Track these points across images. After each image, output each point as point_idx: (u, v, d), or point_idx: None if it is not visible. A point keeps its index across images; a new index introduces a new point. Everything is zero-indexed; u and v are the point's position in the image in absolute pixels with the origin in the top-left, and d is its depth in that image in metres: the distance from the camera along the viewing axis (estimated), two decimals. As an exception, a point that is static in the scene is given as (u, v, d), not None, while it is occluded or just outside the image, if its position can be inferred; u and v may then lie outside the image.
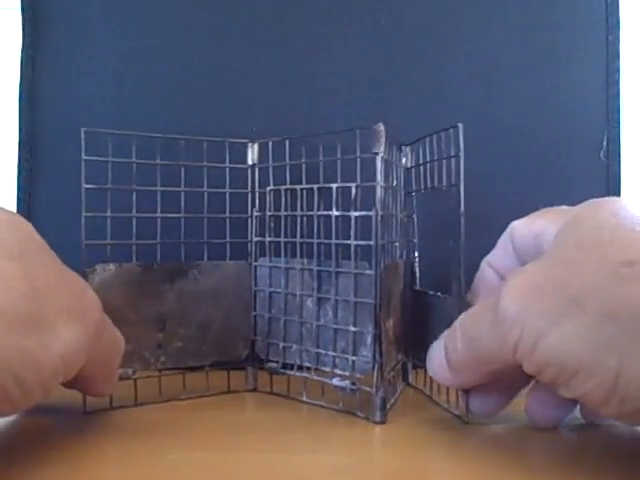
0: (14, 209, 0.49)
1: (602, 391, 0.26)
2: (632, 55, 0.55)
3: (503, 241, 0.37)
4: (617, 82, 0.50)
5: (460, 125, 0.36)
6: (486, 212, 0.47)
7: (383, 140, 0.36)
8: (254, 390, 0.42)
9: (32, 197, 0.50)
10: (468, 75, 0.50)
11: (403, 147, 0.43)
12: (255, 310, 0.42)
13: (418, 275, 0.43)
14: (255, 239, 0.42)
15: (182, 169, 0.41)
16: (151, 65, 0.50)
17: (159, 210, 0.41)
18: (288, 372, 0.40)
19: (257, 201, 0.43)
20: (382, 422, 0.35)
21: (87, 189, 0.38)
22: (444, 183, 0.38)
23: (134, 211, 0.40)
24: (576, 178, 0.50)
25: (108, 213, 0.38)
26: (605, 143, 0.50)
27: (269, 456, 0.30)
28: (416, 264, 0.43)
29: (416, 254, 0.43)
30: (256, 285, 0.42)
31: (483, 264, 0.38)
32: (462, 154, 0.36)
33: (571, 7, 0.50)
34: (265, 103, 0.50)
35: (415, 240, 0.43)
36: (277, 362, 0.41)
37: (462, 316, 0.32)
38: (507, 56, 0.50)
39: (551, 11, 0.50)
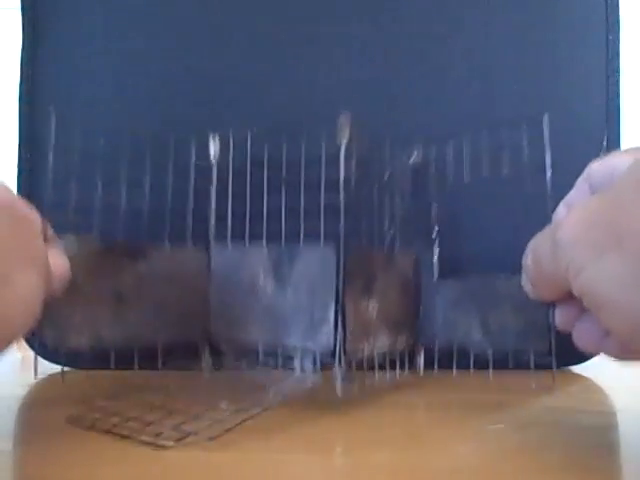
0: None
1: (628, 327, 0.27)
2: (632, 55, 0.55)
3: (580, 181, 0.37)
4: (617, 82, 0.50)
5: (546, 115, 0.38)
6: (485, 211, 0.47)
7: (347, 131, 0.39)
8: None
9: (32, 197, 0.49)
10: (468, 75, 0.50)
11: (416, 145, 0.45)
12: (212, 293, 0.43)
13: (437, 266, 0.44)
14: (213, 224, 0.45)
15: (147, 159, 0.44)
16: (151, 65, 0.50)
17: (124, 194, 0.43)
18: (245, 369, 0.41)
19: (214, 191, 0.45)
20: (344, 395, 0.37)
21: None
22: (506, 171, 0.41)
23: (99, 190, 0.42)
24: (576, 178, 0.50)
25: (72, 187, 0.40)
26: (605, 143, 0.50)
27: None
28: (435, 256, 0.44)
29: (436, 246, 0.44)
30: (214, 270, 0.44)
31: (560, 204, 0.38)
32: (548, 143, 0.38)
33: (571, 6, 0.50)
34: (266, 103, 0.50)
35: (436, 231, 0.45)
36: (239, 359, 0.42)
37: (535, 236, 0.34)
38: (507, 56, 0.50)
39: (551, 11, 0.50)
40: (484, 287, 0.41)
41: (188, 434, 0.31)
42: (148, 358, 0.42)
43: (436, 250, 0.44)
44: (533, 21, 0.50)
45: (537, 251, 0.33)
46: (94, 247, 0.40)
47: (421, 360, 0.45)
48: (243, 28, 0.50)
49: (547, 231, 0.33)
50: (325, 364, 0.39)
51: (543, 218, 0.35)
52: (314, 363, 0.40)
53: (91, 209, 0.42)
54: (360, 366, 0.40)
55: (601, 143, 0.50)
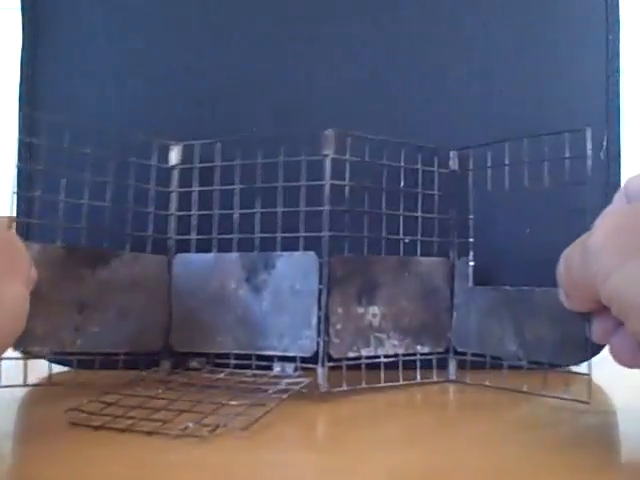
0: (14, 209, 0.49)
1: None
2: (632, 55, 0.55)
3: (618, 196, 0.37)
4: (617, 82, 0.50)
5: (588, 129, 0.39)
6: (485, 211, 0.47)
7: (332, 144, 0.41)
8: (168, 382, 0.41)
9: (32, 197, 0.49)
10: (468, 75, 0.50)
11: (452, 152, 0.46)
12: (173, 303, 0.44)
13: (472, 273, 0.44)
14: (175, 236, 0.45)
15: (111, 161, 0.43)
16: (151, 65, 0.50)
17: (86, 197, 0.42)
18: (218, 375, 0.41)
19: (174, 200, 0.46)
20: (327, 392, 0.39)
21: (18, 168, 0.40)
22: (546, 183, 0.41)
23: (62, 195, 0.42)
24: (576, 178, 0.50)
25: (37, 193, 0.40)
26: (605, 143, 0.50)
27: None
28: (471, 262, 0.44)
29: (471, 253, 0.44)
30: (176, 279, 0.44)
31: (598, 219, 0.38)
32: (589, 154, 0.39)
33: (571, 7, 0.50)
34: (265, 103, 0.50)
35: (471, 240, 0.45)
36: (205, 356, 0.43)
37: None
38: (507, 56, 0.50)
39: (551, 11, 0.50)
40: (521, 298, 0.40)
41: (217, 426, 0.31)
42: (110, 367, 0.42)
43: (471, 257, 0.44)
44: (533, 21, 0.50)
45: (569, 258, 0.33)
46: (57, 256, 0.40)
47: (452, 367, 0.44)
48: (243, 28, 0.50)
49: (580, 239, 0.33)
50: (307, 367, 0.40)
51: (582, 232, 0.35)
52: (295, 369, 0.41)
53: (58, 214, 0.42)
54: (356, 369, 0.41)
55: (601, 143, 0.50)
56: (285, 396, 0.35)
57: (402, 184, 0.44)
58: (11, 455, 0.30)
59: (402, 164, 0.44)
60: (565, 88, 0.50)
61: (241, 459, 0.29)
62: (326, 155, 0.41)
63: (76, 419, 0.33)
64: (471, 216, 0.45)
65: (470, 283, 0.44)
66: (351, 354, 0.41)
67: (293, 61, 0.50)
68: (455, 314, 0.44)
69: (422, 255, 0.44)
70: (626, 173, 0.50)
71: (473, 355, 0.43)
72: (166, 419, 0.32)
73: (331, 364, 0.40)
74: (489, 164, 0.43)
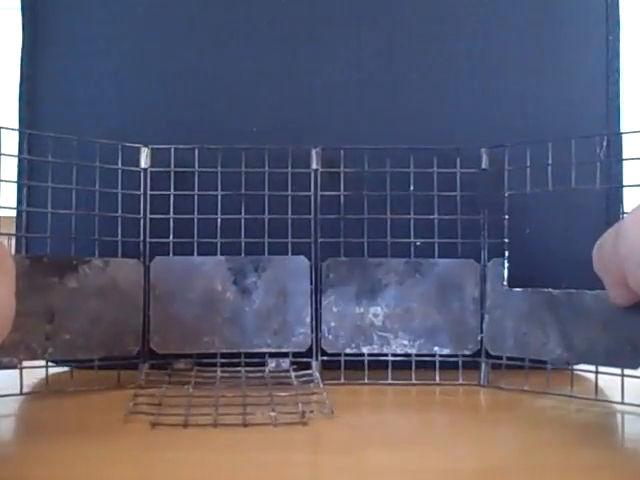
0: (14, 209, 0.49)
1: None
2: (632, 55, 0.55)
3: None
4: (617, 82, 0.50)
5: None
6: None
7: (316, 160, 0.45)
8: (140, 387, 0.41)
9: (32, 197, 0.49)
10: (468, 75, 0.50)
11: (483, 150, 0.45)
12: (151, 307, 0.43)
13: (507, 274, 0.44)
14: (149, 239, 0.45)
15: (74, 168, 0.43)
16: (151, 65, 0.50)
17: (49, 205, 0.43)
18: (207, 372, 0.43)
19: (148, 203, 0.45)
20: (321, 384, 0.41)
21: None
22: (598, 185, 0.42)
23: (24, 205, 0.43)
24: (575, 178, 0.50)
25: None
26: (605, 143, 0.50)
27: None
28: (506, 263, 0.44)
29: (506, 253, 0.44)
30: (155, 282, 0.44)
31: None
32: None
33: (571, 7, 0.50)
34: (265, 103, 0.50)
35: (506, 240, 0.44)
36: (189, 357, 0.44)
37: None
38: (507, 56, 0.50)
39: (551, 11, 0.50)
40: (567, 300, 0.39)
41: (303, 412, 0.34)
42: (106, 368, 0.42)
43: (505, 259, 0.43)
44: (533, 21, 0.50)
45: (602, 240, 0.33)
46: (23, 266, 0.39)
47: (483, 369, 0.43)
48: (243, 28, 0.50)
49: (617, 223, 0.33)
50: (301, 362, 0.44)
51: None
52: (291, 363, 0.44)
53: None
54: (358, 366, 0.43)
55: (601, 143, 0.50)
56: (321, 385, 0.40)
57: (412, 188, 0.45)
58: (11, 455, 0.30)
59: (411, 169, 0.45)
60: (565, 88, 0.50)
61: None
62: (316, 170, 0.45)
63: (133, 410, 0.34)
64: (506, 216, 0.44)
65: (505, 285, 0.43)
66: (349, 350, 0.44)
67: (293, 61, 0.50)
68: (487, 317, 0.43)
69: (442, 257, 0.44)
70: (626, 173, 0.50)
71: (508, 359, 0.42)
72: (235, 412, 0.34)
73: (325, 358, 0.44)
74: (528, 163, 0.43)
